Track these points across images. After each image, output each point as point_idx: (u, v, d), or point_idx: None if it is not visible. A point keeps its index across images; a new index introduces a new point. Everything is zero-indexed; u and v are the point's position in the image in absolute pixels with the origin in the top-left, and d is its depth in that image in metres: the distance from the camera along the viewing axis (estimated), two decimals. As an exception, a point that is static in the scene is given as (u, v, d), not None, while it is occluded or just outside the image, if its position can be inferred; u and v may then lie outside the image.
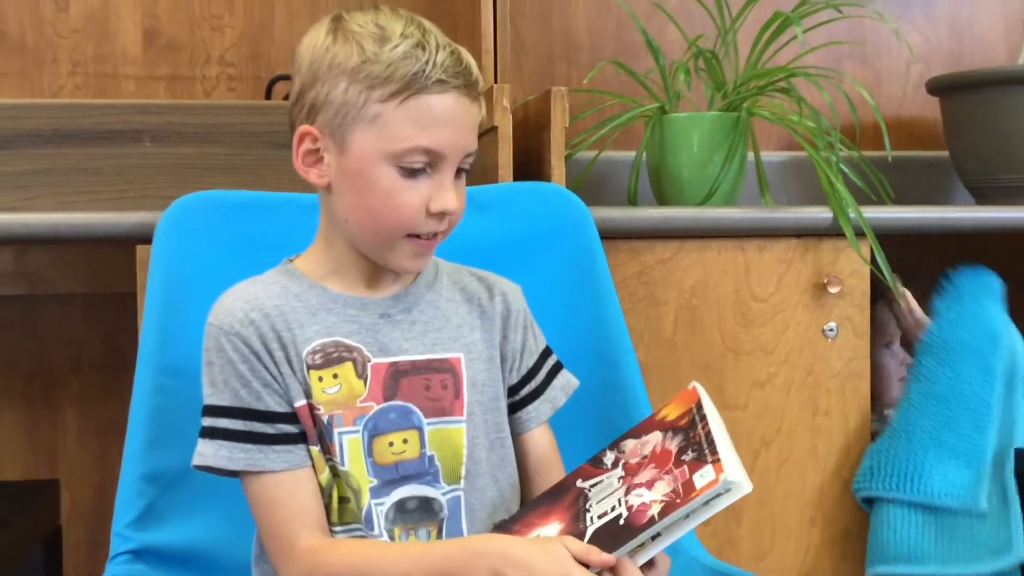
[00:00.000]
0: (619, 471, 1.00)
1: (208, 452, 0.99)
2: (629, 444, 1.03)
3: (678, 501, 0.90)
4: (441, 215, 1.00)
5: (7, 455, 1.91)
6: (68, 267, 1.87)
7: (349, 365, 1.01)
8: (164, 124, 1.63)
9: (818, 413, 1.64)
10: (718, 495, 0.90)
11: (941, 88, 1.99)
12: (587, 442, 1.30)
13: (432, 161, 0.99)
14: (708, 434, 0.95)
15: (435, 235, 1.02)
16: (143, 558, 1.21)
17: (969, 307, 1.63)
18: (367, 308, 1.04)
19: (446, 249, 1.11)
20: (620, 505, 0.95)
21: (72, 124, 1.60)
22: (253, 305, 1.01)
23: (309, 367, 1.00)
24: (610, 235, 1.50)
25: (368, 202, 0.99)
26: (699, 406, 1.00)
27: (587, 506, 0.97)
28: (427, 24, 1.01)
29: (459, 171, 1.02)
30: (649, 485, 0.95)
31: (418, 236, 1.00)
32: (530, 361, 1.12)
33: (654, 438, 1.01)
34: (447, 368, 1.05)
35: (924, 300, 1.69)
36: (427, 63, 0.96)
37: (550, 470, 1.11)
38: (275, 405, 0.99)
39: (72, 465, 1.93)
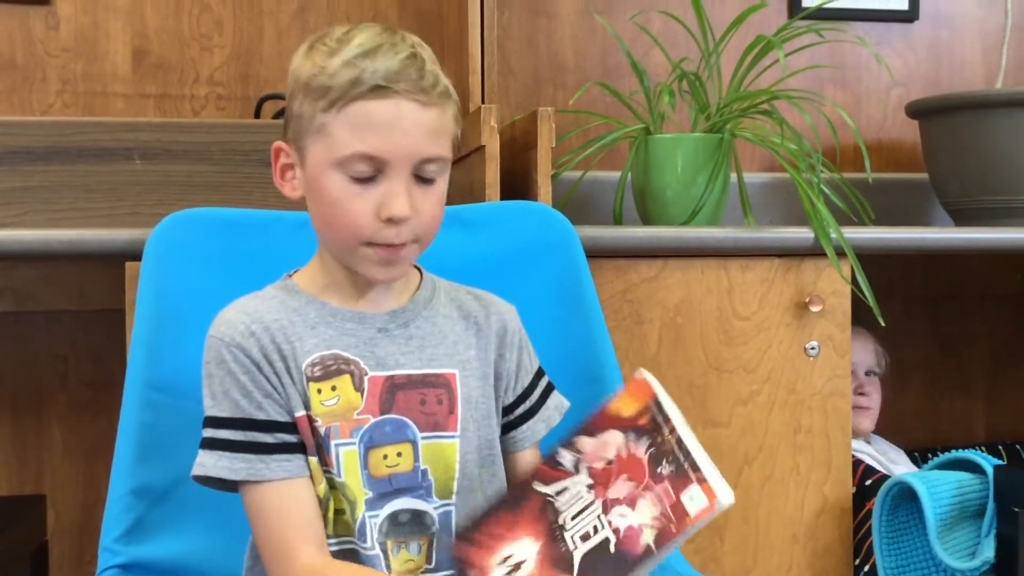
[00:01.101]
0: (584, 477, 0.97)
1: (209, 463, 1.00)
2: (586, 443, 1.00)
3: (673, 529, 0.89)
4: (393, 221, 0.98)
5: (-7, 471, 1.91)
6: (56, 284, 1.87)
7: (347, 378, 1.02)
8: (154, 142, 1.64)
9: (800, 430, 1.65)
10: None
11: (921, 111, 2.01)
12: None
13: (379, 167, 0.98)
14: (680, 442, 0.92)
15: (399, 245, 1.00)
16: (131, 572, 1.21)
17: None
18: (365, 322, 1.05)
19: (432, 267, 1.12)
20: (603, 527, 0.93)
21: (63, 141, 1.61)
22: (254, 318, 1.02)
23: (308, 379, 1.01)
24: (595, 254, 1.52)
25: (323, 211, 1.01)
26: (657, 404, 0.96)
27: (560, 521, 0.96)
28: (400, 35, 1.00)
29: (425, 180, 1.00)
30: (630, 503, 0.93)
31: (378, 244, 1.00)
32: (525, 380, 1.12)
33: (613, 439, 0.98)
34: (442, 384, 1.05)
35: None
36: (364, 70, 0.96)
37: None
38: (276, 414, 1.00)
39: (58, 481, 1.93)
